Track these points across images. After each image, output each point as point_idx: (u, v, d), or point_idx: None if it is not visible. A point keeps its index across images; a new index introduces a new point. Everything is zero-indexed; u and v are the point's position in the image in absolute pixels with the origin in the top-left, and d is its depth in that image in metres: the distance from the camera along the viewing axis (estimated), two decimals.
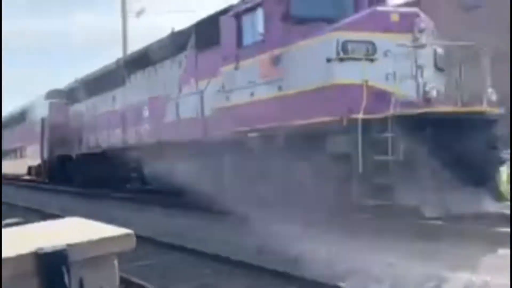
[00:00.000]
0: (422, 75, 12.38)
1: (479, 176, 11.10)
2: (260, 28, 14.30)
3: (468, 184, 10.70)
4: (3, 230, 2.59)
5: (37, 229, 2.65)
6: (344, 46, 12.12)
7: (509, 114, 12.60)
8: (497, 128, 11.94)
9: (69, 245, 2.20)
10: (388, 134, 11.04)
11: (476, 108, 11.75)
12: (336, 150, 11.95)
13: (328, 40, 12.31)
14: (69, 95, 32.97)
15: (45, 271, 2.14)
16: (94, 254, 2.28)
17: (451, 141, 10.90)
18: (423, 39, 12.43)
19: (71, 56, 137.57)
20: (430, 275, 7.53)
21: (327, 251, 8.83)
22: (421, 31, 12.43)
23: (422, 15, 12.99)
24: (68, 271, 2.15)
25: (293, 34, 13.28)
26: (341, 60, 12.08)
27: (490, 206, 11.27)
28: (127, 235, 2.38)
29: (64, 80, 74.14)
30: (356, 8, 14.07)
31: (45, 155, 37.84)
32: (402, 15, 12.74)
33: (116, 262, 2.37)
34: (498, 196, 11.64)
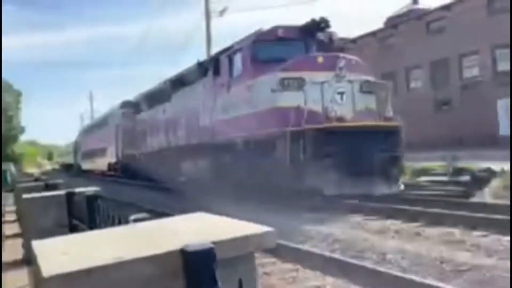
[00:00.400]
0: (342, 99, 18.99)
1: (373, 169, 17.49)
2: (240, 66, 21.62)
3: (362, 174, 17.29)
4: (139, 225, 2.62)
5: (168, 225, 2.49)
6: (281, 82, 18.68)
7: (401, 127, 18.91)
8: (394, 135, 18.35)
9: (213, 242, 2.04)
10: (301, 141, 17.44)
11: (362, 123, 18.02)
12: (278, 151, 18.50)
13: (273, 77, 18.99)
14: (136, 105, 41.60)
15: (192, 269, 2.00)
16: (238, 252, 2.14)
17: (346, 145, 17.21)
18: (342, 74, 19.00)
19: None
20: (316, 231, 13.50)
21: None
22: (340, 68, 19.04)
23: (343, 56, 19.72)
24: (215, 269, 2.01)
25: (258, 71, 20.02)
26: (280, 90, 18.60)
27: (383, 190, 17.84)
28: (269, 232, 2.19)
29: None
30: (307, 51, 20.99)
31: (119, 155, 47.87)
32: (326, 58, 19.30)
33: (255, 259, 2.25)
34: (391, 184, 18.16)
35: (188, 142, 26.65)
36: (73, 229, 5.38)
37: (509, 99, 41.57)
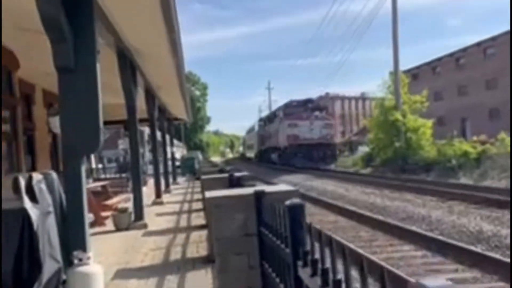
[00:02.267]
0: (312, 131, 56.71)
1: (318, 157, 55.76)
2: (279, 118, 62.56)
3: (312, 159, 55.36)
4: None
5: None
6: (288, 124, 58.84)
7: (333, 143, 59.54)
8: (330, 146, 57.45)
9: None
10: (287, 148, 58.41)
11: (314, 141, 56.42)
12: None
13: (284, 123, 59.30)
14: (265, 120, 76.31)
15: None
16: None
17: (306, 149, 56.06)
18: (312, 121, 57.92)
19: None
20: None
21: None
22: (311, 119, 58.22)
23: (315, 114, 58.81)
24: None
25: (285, 118, 59.70)
26: (286, 127, 59.02)
27: (322, 165, 53.39)
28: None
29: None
30: (305, 111, 59.22)
31: (257, 148, 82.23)
32: (306, 115, 58.19)
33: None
34: (327, 164, 54.93)
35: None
36: (262, 242, 4.79)
37: None
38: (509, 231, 13.38)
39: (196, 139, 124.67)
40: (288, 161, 56.33)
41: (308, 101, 61.43)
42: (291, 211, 3.28)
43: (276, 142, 62.28)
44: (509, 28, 50.90)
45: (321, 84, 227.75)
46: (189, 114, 33.65)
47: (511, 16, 25.24)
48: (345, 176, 38.39)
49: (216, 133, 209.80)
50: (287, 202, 3.34)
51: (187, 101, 26.62)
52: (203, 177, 12.68)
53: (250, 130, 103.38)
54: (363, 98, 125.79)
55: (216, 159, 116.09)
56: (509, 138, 32.01)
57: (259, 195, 4.90)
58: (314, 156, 55.49)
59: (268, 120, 72.65)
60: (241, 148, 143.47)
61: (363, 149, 60.23)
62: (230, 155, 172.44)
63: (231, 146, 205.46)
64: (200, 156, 66.28)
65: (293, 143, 56.16)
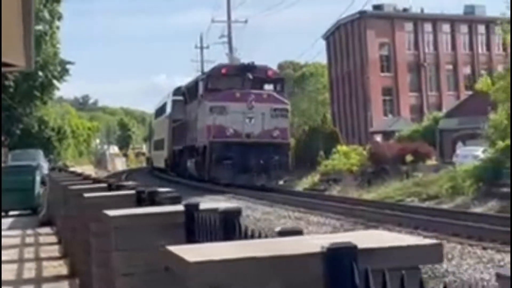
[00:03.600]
0: (251, 122, 33.74)
1: (257, 168, 33.59)
2: (200, 92, 37.14)
3: (256, 172, 33.64)
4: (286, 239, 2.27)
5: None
6: (210, 108, 34.41)
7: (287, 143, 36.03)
8: (280, 147, 34.31)
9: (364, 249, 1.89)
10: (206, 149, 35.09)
11: (251, 140, 33.96)
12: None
13: (205, 105, 35.20)
14: (185, 94, 42.37)
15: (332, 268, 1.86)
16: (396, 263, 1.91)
17: (239, 152, 33.24)
18: (251, 105, 33.58)
19: None
20: None
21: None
22: (251, 101, 33.59)
23: (254, 92, 34.26)
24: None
25: (207, 97, 35.41)
26: (208, 114, 34.38)
27: (263, 182, 33.78)
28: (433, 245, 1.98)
29: None
30: (242, 84, 35.01)
31: (170, 149, 47.01)
32: (242, 94, 34.04)
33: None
34: (272, 179, 34.85)
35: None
36: None
37: None
38: None
39: (30, 120, 59.57)
40: (209, 173, 34.89)
41: (247, 67, 35.68)
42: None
43: (194, 139, 38.12)
44: None
45: None
46: (31, 54, 10.25)
47: (511, 16, 25.13)
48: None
49: (85, 106, 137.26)
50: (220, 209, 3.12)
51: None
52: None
53: (159, 111, 58.84)
54: (467, 20, 77.86)
55: (82, 169, 44.56)
56: None
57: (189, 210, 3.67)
58: (251, 165, 33.32)
59: (189, 93, 41.74)
60: (144, 146, 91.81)
61: (472, 150, 36.63)
62: (119, 161, 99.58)
63: (123, 139, 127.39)
64: (44, 161, 39.55)
65: (217, 140, 33.62)
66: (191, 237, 3.72)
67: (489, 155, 27.28)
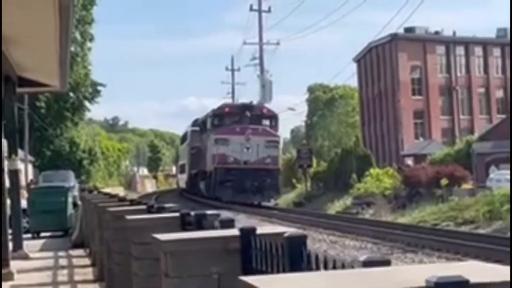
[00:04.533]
0: (248, 151, 41.48)
1: (252, 189, 41.34)
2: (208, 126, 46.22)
3: (245, 191, 41.15)
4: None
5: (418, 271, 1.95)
6: (215, 140, 42.49)
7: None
8: (272, 172, 41.97)
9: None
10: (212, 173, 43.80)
11: (246, 166, 41.85)
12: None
13: (211, 138, 43.56)
14: (200, 125, 50.74)
15: None
16: None
17: (237, 176, 41.26)
18: (249, 137, 41.42)
19: None
20: None
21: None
22: (248, 134, 41.39)
23: (251, 127, 41.72)
24: None
25: (212, 131, 44.21)
26: (215, 144, 42.86)
27: (257, 201, 41.81)
28: None
29: None
30: (241, 120, 43.15)
31: (189, 173, 55.22)
32: (241, 128, 41.93)
33: None
34: (265, 199, 42.61)
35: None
36: None
37: None
38: None
39: (61, 141, 61.35)
40: (214, 193, 43.04)
41: (246, 106, 44.97)
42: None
43: (204, 164, 46.02)
44: None
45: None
46: (65, 75, 15.56)
47: (511, 17, 24.65)
48: None
49: (114, 127, 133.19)
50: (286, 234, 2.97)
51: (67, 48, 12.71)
52: None
53: (182, 138, 67.83)
54: (500, 44, 76.67)
55: (112, 190, 41.06)
56: None
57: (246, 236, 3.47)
58: (247, 187, 41.07)
59: (202, 125, 49.88)
60: (174, 168, 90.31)
61: (505, 174, 36.16)
62: (148, 183, 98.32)
63: (153, 161, 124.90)
64: (74, 182, 38.80)
65: (220, 166, 41.84)
66: (248, 265, 3.50)
67: None
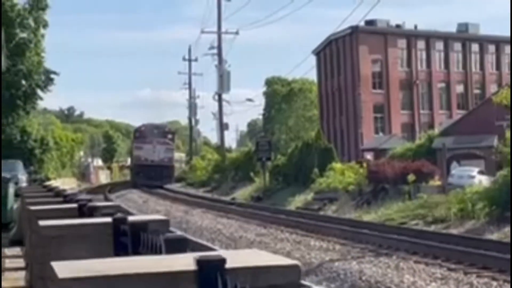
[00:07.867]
0: (154, 152, 67.11)
1: (155, 176, 65.22)
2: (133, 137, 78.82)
3: (151, 178, 64.35)
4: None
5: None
6: (135, 147, 71.91)
7: None
8: (168, 166, 67.69)
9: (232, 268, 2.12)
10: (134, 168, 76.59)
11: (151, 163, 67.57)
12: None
13: (134, 145, 73.70)
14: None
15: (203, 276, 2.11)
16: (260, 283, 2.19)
17: (145, 169, 66.08)
18: (154, 144, 67.69)
19: None
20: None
21: None
22: (153, 142, 67.36)
23: (156, 139, 68.14)
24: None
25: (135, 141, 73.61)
26: (134, 149, 72.28)
27: (159, 184, 63.37)
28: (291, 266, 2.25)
29: None
30: (153, 135, 69.18)
31: (131, 166, 76.01)
32: (151, 139, 67.75)
33: None
34: (165, 183, 67.17)
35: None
36: None
37: None
38: None
39: (12, 129, 58.84)
40: (133, 180, 67.68)
41: (155, 126, 72.29)
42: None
43: (132, 162, 73.42)
44: None
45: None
46: None
47: (511, 17, 23.53)
48: None
49: (70, 118, 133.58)
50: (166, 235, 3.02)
51: None
52: None
53: (133, 136, 78.61)
54: (461, 38, 76.82)
55: (64, 181, 32.11)
56: None
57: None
58: (152, 176, 63.37)
59: (133, 136, 75.84)
60: (129, 160, 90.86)
61: (467, 170, 36.97)
62: (103, 174, 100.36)
63: (108, 152, 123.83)
64: (22, 173, 36.92)
65: (138, 163, 66.91)
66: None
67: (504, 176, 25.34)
